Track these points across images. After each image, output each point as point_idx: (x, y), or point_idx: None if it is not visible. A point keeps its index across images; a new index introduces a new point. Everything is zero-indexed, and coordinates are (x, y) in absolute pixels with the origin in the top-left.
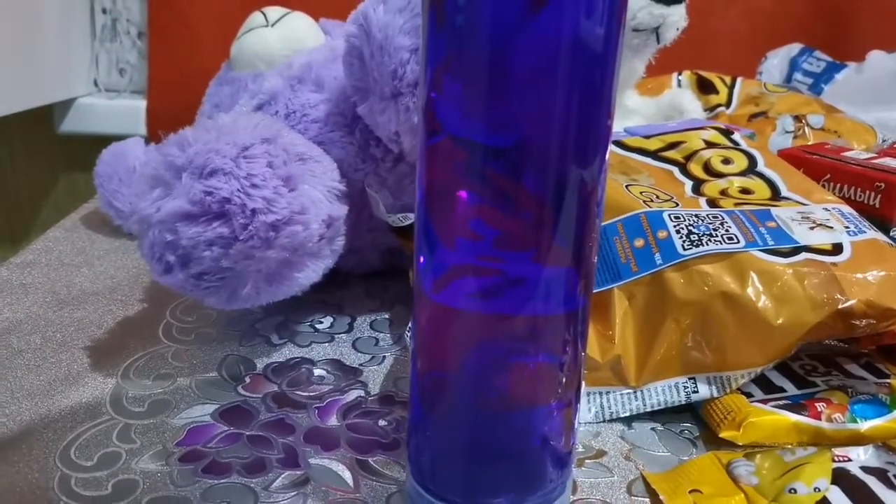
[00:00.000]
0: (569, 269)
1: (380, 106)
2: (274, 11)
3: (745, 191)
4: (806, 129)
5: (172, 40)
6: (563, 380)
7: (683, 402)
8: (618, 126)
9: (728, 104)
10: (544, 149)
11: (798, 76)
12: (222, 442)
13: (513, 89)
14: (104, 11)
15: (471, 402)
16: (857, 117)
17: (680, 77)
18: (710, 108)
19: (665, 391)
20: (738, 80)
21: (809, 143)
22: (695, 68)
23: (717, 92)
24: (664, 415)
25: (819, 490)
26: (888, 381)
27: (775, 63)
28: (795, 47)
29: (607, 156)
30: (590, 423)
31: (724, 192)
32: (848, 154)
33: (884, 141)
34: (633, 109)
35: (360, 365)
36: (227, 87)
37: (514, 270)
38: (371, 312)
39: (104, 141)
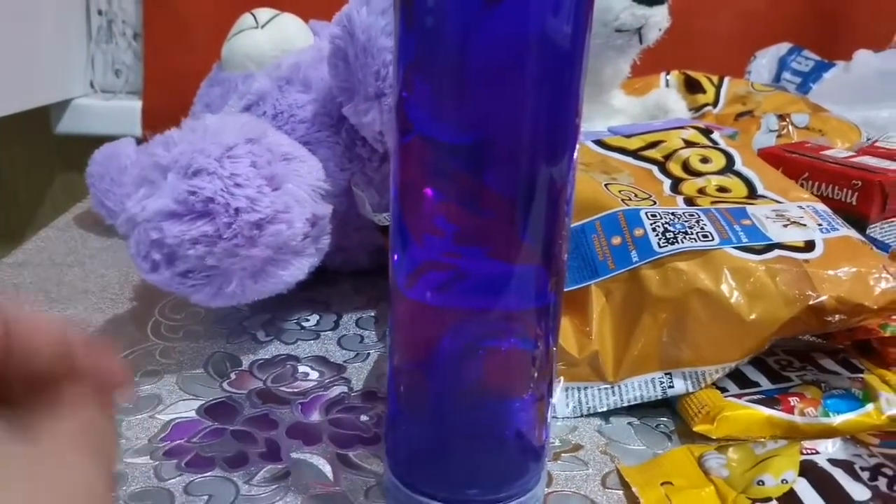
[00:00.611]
0: (537, 265)
1: (364, 106)
2: (264, 13)
3: (722, 189)
4: (790, 127)
5: (168, 41)
6: (535, 374)
7: (660, 397)
8: (602, 126)
9: (715, 103)
10: (508, 147)
11: (787, 75)
12: (206, 437)
13: (474, 87)
14: (100, 13)
15: (445, 396)
16: (843, 116)
17: (668, 77)
18: (698, 108)
19: (641, 386)
20: (726, 79)
21: (793, 142)
22: (685, 68)
23: (704, 91)
24: (641, 409)
25: (786, 482)
26: (861, 375)
27: (764, 62)
28: (784, 47)
29: (576, 154)
30: (568, 417)
31: (701, 191)
32: (827, 153)
33: (868, 139)
34: (619, 109)
35: (345, 362)
36: (218, 88)
37: (473, 266)
38: (357, 310)
39: (100, 141)
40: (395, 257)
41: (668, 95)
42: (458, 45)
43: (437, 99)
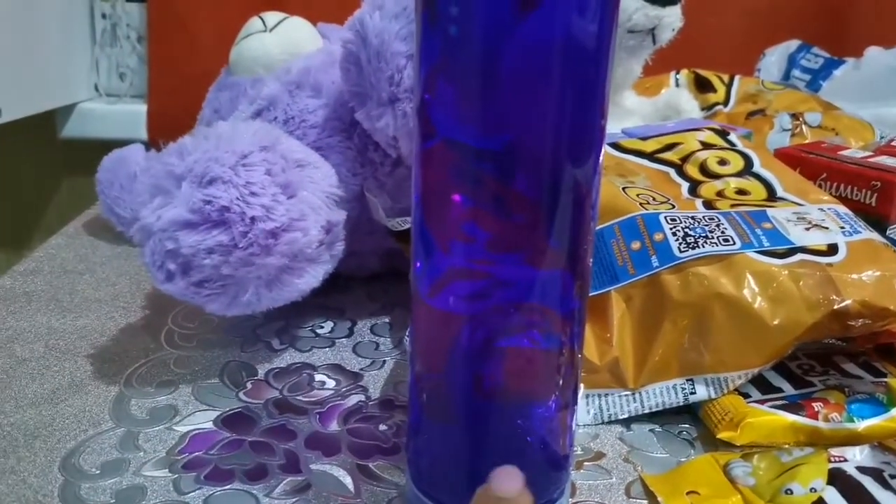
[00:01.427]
0: (563, 270)
1: (377, 111)
2: (272, 16)
3: (741, 192)
4: (803, 126)
5: (172, 44)
6: (560, 381)
7: (682, 404)
8: (615, 127)
9: (726, 102)
10: (536, 151)
11: (796, 73)
12: (224, 449)
13: (503, 91)
14: (104, 16)
15: (468, 404)
16: (855, 114)
17: (678, 76)
18: (708, 107)
19: (663, 393)
20: (736, 78)
21: (807, 141)
22: (694, 66)
23: (714, 90)
24: (663, 416)
25: (815, 490)
26: (885, 380)
27: (773, 60)
28: (793, 44)
29: (601, 157)
30: (588, 425)
31: (720, 194)
32: (844, 153)
33: (882, 138)
34: (630, 110)
35: (361, 369)
36: (227, 93)
37: (505, 273)
38: (372, 316)
39: (106, 145)
40: (418, 265)
41: (679, 95)
42: (486, 49)
43: (464, 102)
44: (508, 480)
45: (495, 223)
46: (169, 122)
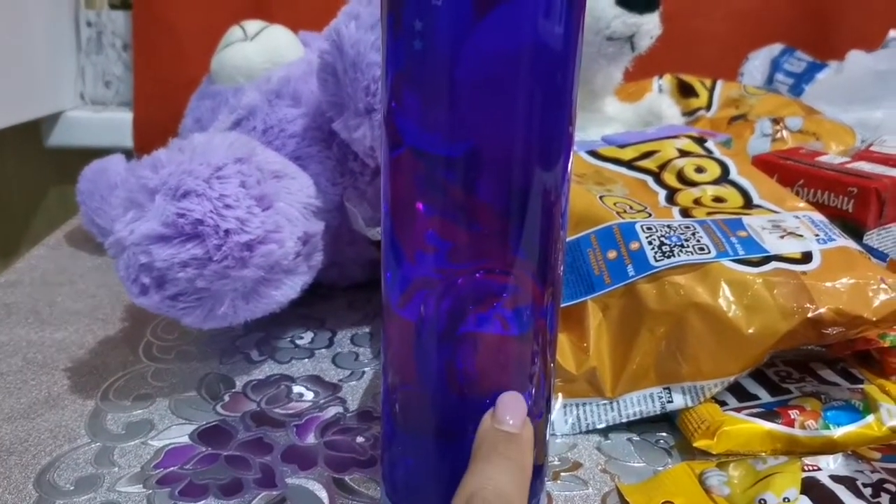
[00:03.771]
0: (532, 280)
1: (354, 121)
2: (253, 25)
3: (718, 199)
4: (784, 131)
5: (157, 52)
6: (533, 391)
7: (659, 412)
8: (596, 134)
9: (708, 107)
10: (499, 159)
11: (779, 76)
12: (200, 463)
13: (462, 98)
14: (89, 24)
15: (440, 415)
16: (837, 118)
17: (661, 81)
18: (691, 112)
19: (640, 401)
20: (719, 82)
21: (788, 146)
22: (678, 70)
23: (697, 95)
24: (640, 425)
25: (788, 500)
26: (861, 386)
27: (756, 64)
28: (777, 48)
29: (570, 164)
30: (567, 434)
31: (697, 201)
32: (822, 159)
33: (863, 141)
34: (612, 116)
35: (340, 381)
36: (208, 101)
37: (471, 284)
38: (352, 326)
39: (92, 153)
40: (388, 275)
41: (661, 101)
42: (447, 55)
43: (427, 109)
44: (515, 404)
45: (458, 233)
46: (155, 130)
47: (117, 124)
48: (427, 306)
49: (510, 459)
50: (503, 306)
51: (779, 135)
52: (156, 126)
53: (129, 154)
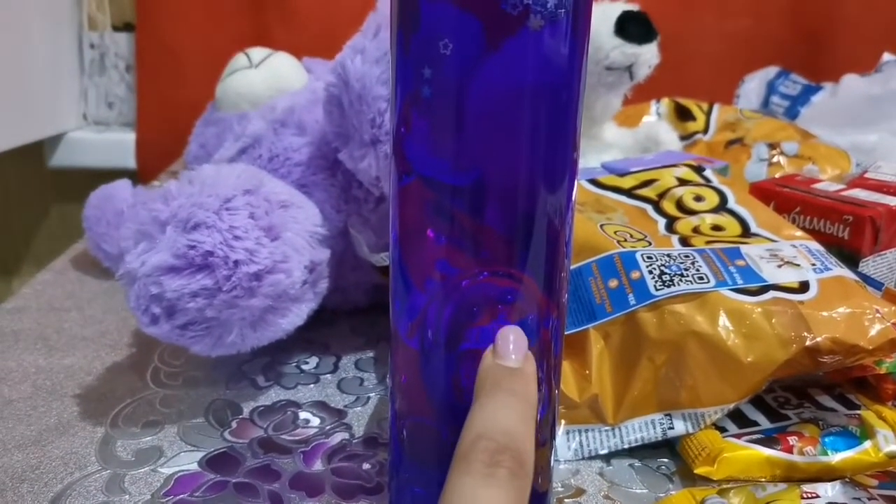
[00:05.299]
0: (538, 307)
1: (360, 152)
2: (257, 52)
3: (716, 227)
4: (780, 156)
5: (160, 73)
6: (538, 418)
7: (660, 438)
8: (596, 160)
9: (705, 131)
10: (507, 187)
11: (775, 99)
12: (209, 490)
13: (470, 128)
14: (92, 46)
15: (448, 442)
16: (832, 141)
17: (658, 105)
18: (688, 136)
19: (642, 428)
20: (715, 106)
21: (784, 170)
22: (673, 91)
23: (694, 119)
24: (642, 451)
25: None
26: (858, 412)
27: (752, 86)
28: (772, 70)
29: (574, 191)
30: (570, 460)
31: (696, 230)
32: (818, 186)
33: (857, 165)
34: (610, 143)
35: (345, 406)
36: (213, 128)
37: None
38: (357, 351)
39: (95, 174)
40: (396, 304)
41: (658, 127)
42: (454, 100)
43: (436, 136)
44: (516, 338)
45: (466, 260)
46: (157, 151)
47: (120, 145)
48: (433, 330)
49: (515, 394)
50: None
51: (775, 159)
52: (158, 146)
53: (132, 175)
